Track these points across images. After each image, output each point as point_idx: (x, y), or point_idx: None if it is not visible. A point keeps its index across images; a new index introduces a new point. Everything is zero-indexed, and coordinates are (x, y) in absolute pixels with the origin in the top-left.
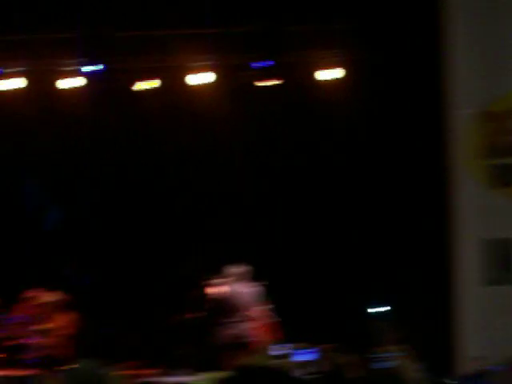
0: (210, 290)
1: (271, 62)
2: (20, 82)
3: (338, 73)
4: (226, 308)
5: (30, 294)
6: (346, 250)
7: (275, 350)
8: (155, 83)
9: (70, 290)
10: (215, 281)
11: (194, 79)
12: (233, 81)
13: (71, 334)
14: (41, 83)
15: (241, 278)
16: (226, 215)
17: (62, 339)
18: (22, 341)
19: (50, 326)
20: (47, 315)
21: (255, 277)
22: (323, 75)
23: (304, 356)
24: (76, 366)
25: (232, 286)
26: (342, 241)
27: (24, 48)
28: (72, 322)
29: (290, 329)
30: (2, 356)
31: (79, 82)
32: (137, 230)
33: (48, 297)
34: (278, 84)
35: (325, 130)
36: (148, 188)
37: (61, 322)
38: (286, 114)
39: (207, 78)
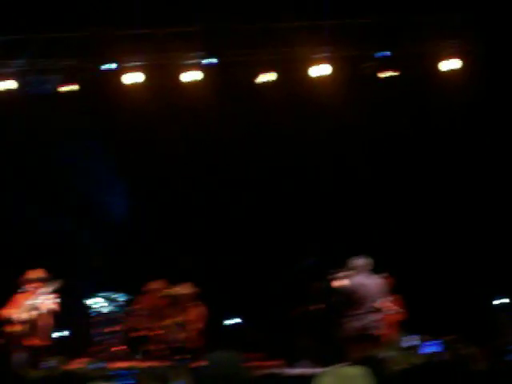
0: (335, 282)
1: (390, 54)
2: (140, 76)
3: (455, 63)
4: (352, 300)
5: (154, 286)
6: (470, 243)
7: (404, 342)
8: (273, 76)
9: (193, 283)
10: (340, 273)
11: (313, 71)
12: (351, 72)
13: (201, 327)
14: (161, 77)
15: (364, 269)
16: (350, 207)
17: (193, 332)
18: (147, 332)
19: (182, 318)
20: (180, 308)
21: (379, 269)
22: (442, 66)
23: (429, 348)
24: (213, 356)
25: (357, 277)
26: (467, 233)
27: (145, 42)
28: (202, 315)
29: (414, 320)
30: (124, 348)
31: (198, 75)
32: (261, 223)
33: (180, 289)
34: (396, 75)
35: (443, 120)
36: (270, 180)
37: (192, 315)
38: (404, 104)
39: (325, 69)
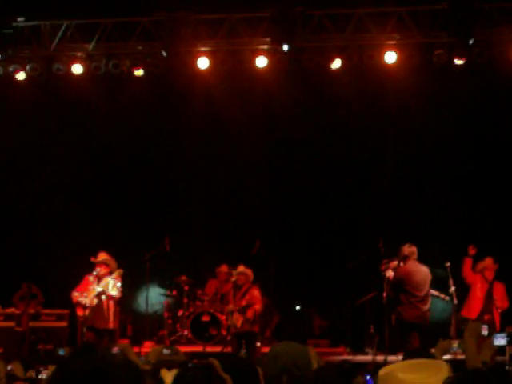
0: (389, 271)
1: (462, 40)
2: (206, 61)
3: None
4: (407, 287)
5: (218, 270)
6: None
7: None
8: (339, 62)
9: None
10: (394, 261)
11: (384, 57)
12: (422, 59)
13: (257, 311)
14: (231, 62)
15: (414, 257)
16: (409, 196)
17: (253, 316)
18: (212, 317)
19: (242, 303)
20: (240, 292)
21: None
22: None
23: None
24: (277, 347)
25: (411, 265)
26: None
27: (215, 27)
28: (257, 298)
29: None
30: (188, 332)
31: (269, 61)
32: (326, 212)
33: (239, 273)
34: (468, 62)
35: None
36: (332, 167)
37: (246, 300)
38: (473, 93)
39: (394, 56)
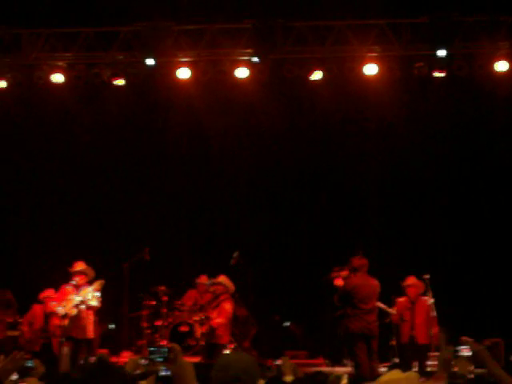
0: (338, 281)
1: (444, 53)
2: (188, 72)
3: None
4: (354, 301)
5: (198, 280)
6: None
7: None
8: (320, 74)
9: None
10: (343, 272)
11: (364, 70)
12: (402, 72)
13: (222, 324)
14: (211, 73)
15: (364, 269)
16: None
17: (220, 328)
18: (190, 328)
19: (213, 314)
20: (215, 302)
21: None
22: (497, 67)
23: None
24: (223, 357)
25: (360, 278)
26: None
27: (195, 37)
28: (225, 311)
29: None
30: (166, 342)
31: (248, 72)
32: (307, 219)
33: (216, 283)
34: (447, 75)
35: (494, 122)
36: (308, 177)
37: (216, 312)
38: (455, 104)
39: (375, 69)
